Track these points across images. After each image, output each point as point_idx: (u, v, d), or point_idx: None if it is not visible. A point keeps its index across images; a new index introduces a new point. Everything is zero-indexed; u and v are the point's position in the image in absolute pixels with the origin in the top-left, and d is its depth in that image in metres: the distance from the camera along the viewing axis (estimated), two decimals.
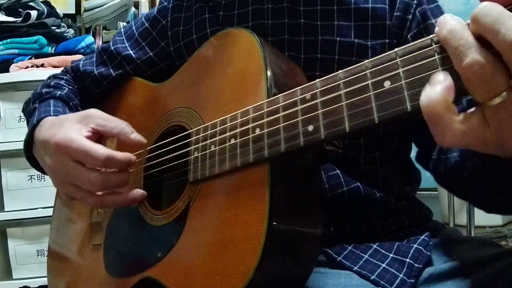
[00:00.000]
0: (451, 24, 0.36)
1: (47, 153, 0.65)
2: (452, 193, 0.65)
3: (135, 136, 0.64)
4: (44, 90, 0.83)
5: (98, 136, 0.65)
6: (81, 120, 0.64)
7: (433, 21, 0.67)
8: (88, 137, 0.62)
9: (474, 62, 0.34)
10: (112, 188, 0.62)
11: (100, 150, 0.59)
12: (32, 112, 0.79)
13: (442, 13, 0.68)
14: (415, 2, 0.68)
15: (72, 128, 0.63)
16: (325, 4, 0.68)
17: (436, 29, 0.37)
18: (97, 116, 0.65)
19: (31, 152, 0.73)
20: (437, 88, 0.35)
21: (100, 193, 0.63)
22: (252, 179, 0.51)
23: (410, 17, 0.68)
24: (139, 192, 0.64)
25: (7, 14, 1.87)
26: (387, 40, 0.67)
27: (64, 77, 0.88)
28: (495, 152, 0.38)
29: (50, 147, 0.63)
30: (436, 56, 0.38)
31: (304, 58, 0.67)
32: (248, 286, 0.47)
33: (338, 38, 0.67)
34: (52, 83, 0.85)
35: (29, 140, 0.72)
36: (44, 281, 1.70)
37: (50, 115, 0.73)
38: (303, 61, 0.67)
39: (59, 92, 0.82)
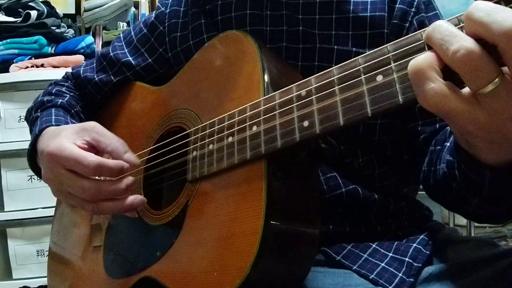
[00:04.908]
0: (436, 22, 0.37)
1: (43, 163, 0.65)
2: (442, 206, 0.64)
3: (128, 156, 0.63)
4: (46, 98, 0.82)
5: (94, 151, 0.64)
6: (77, 132, 0.64)
7: None
8: (81, 148, 0.62)
9: (460, 47, 0.34)
10: (106, 196, 0.61)
11: (90, 158, 0.59)
12: (34, 121, 0.78)
13: None
14: (413, 10, 0.67)
15: (66, 138, 0.63)
16: (323, 13, 0.68)
17: (424, 35, 0.38)
18: (93, 131, 0.64)
19: (35, 162, 0.73)
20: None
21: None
22: (249, 176, 0.51)
23: (407, 25, 0.67)
24: (137, 198, 0.62)
25: (7, 14, 1.87)
26: None
27: (65, 84, 0.88)
28: (486, 137, 0.38)
29: (44, 157, 0.63)
30: (427, 50, 0.39)
31: (302, 66, 0.67)
32: (245, 282, 0.47)
33: (336, 47, 0.67)
34: (53, 91, 0.85)
35: (32, 150, 0.72)
36: (44, 281, 1.70)
37: (52, 125, 0.73)
38: (300, 68, 0.67)
39: (60, 100, 0.82)
